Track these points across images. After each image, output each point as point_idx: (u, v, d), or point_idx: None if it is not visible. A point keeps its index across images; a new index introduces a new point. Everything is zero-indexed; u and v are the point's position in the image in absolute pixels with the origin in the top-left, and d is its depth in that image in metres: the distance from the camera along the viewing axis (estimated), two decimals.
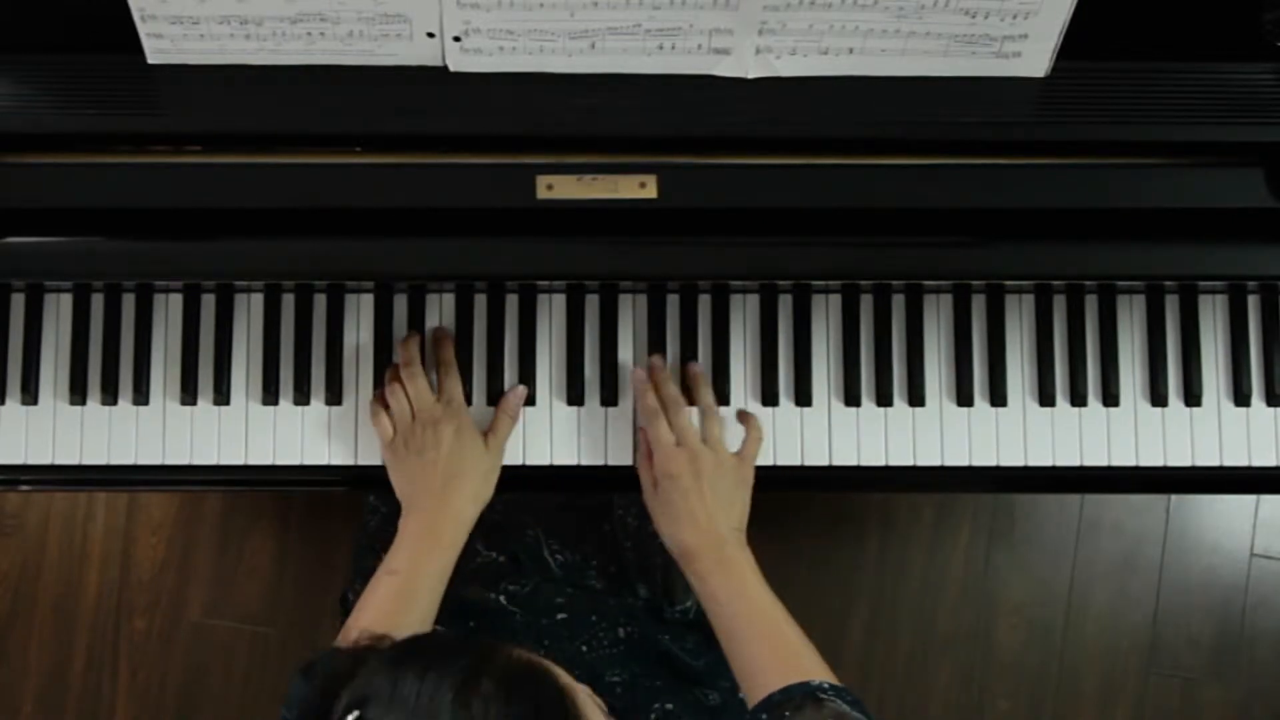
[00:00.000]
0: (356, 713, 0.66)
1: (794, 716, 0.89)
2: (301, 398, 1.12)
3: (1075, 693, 1.87)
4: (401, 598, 1.00)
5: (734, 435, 1.11)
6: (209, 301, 1.13)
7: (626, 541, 1.27)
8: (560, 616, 1.19)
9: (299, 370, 1.12)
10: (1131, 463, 1.13)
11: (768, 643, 0.98)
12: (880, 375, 1.13)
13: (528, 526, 1.25)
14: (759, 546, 1.06)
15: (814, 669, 0.95)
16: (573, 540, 1.26)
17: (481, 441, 1.08)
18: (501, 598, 1.19)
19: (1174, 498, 1.88)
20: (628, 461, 1.13)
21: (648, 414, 1.08)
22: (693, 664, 1.20)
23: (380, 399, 1.10)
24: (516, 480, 1.11)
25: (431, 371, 1.11)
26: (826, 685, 0.92)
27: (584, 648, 1.16)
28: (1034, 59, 0.99)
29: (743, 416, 1.11)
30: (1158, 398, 1.13)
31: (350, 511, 1.90)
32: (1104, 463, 1.13)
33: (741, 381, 1.13)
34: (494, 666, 0.69)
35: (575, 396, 1.13)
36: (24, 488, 1.16)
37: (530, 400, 1.13)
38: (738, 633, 1.00)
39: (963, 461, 1.13)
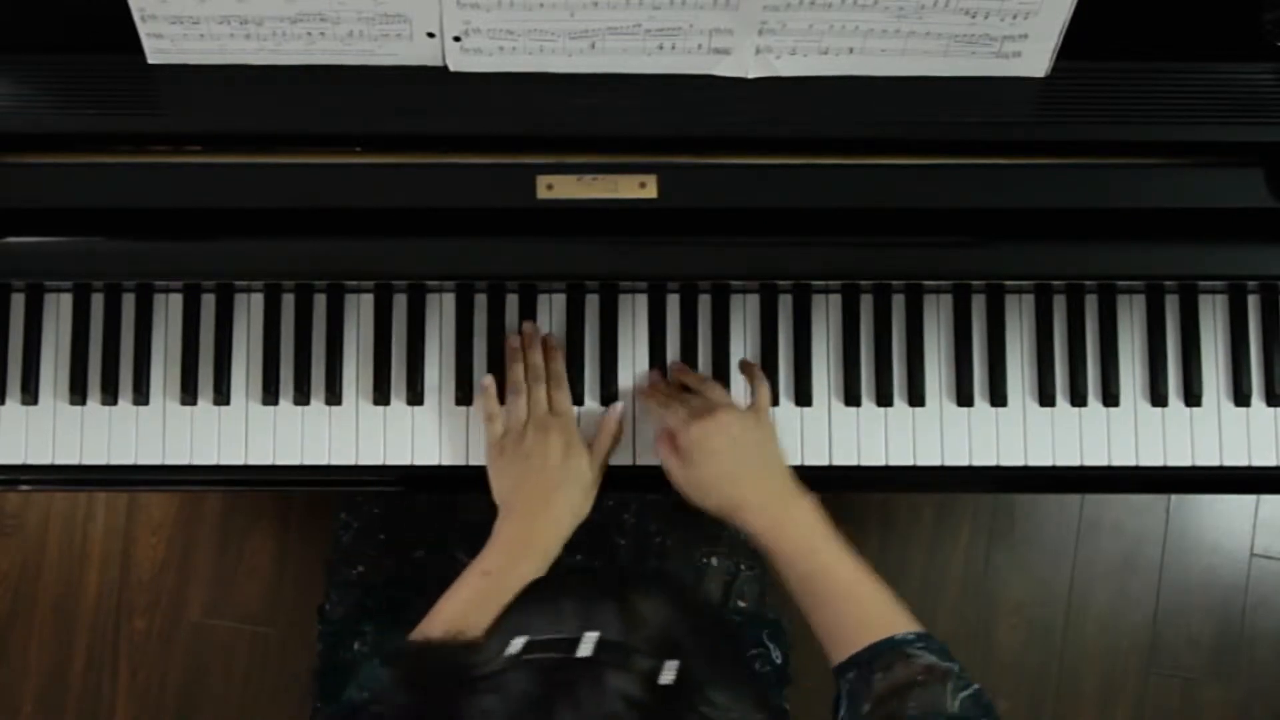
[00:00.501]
0: (524, 639, 0.64)
1: (885, 676, 0.88)
2: (301, 398, 1.12)
3: (1075, 693, 1.87)
4: (488, 599, 0.98)
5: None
6: (209, 301, 1.13)
7: (621, 539, 1.26)
8: None
9: (299, 370, 1.12)
10: (1131, 463, 1.13)
11: (845, 601, 0.96)
12: (880, 375, 1.13)
13: None
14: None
15: (896, 621, 0.93)
16: None
17: (588, 457, 1.07)
18: None
19: (1174, 498, 1.88)
20: (628, 461, 1.13)
21: (660, 403, 1.08)
22: None
23: (492, 393, 1.09)
24: None
25: None
26: (912, 635, 0.91)
27: None
28: (1034, 59, 0.98)
29: (745, 367, 1.10)
30: (1158, 398, 1.13)
31: None
32: (1104, 463, 1.13)
33: (741, 382, 1.13)
34: (641, 577, 0.69)
35: (575, 396, 1.13)
36: (24, 488, 1.16)
37: None
38: (812, 593, 0.98)
39: (963, 461, 1.13)
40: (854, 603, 0.96)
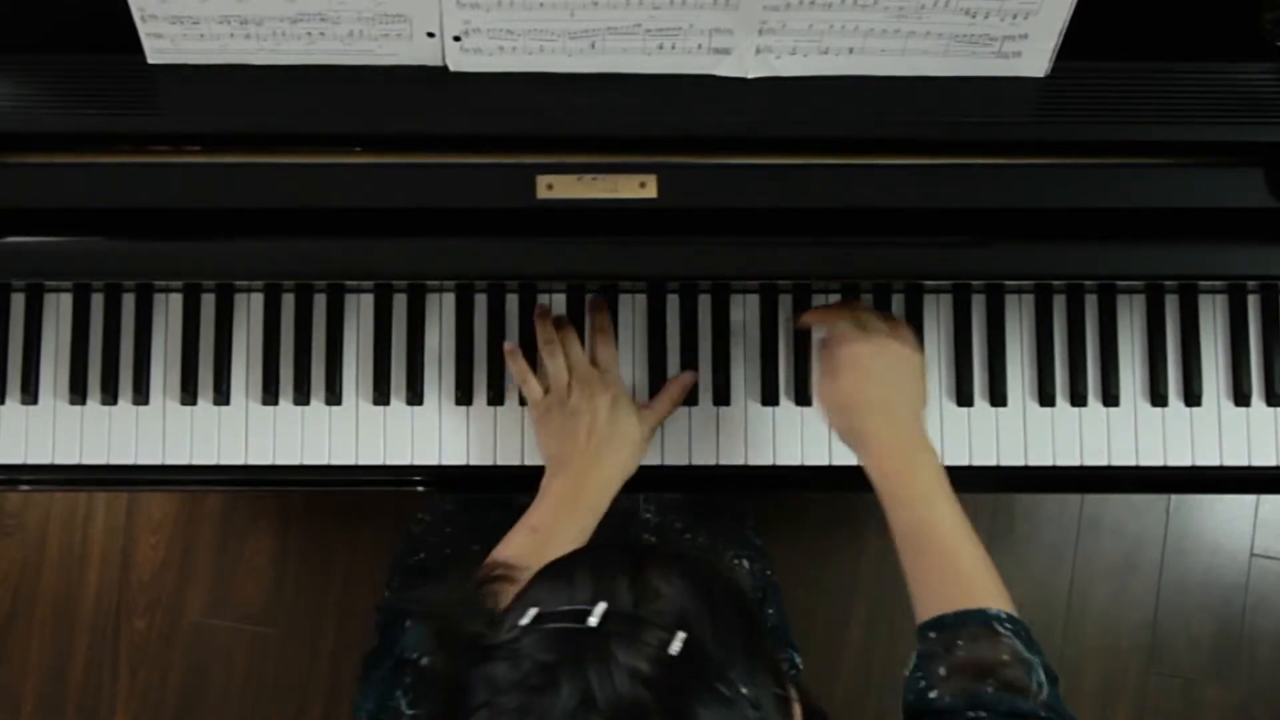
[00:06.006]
0: (535, 610, 0.64)
1: (968, 646, 0.86)
2: (301, 398, 1.12)
3: (1075, 693, 1.87)
4: (536, 555, 0.97)
5: None
6: (209, 301, 1.13)
7: (651, 536, 1.25)
8: None
9: (299, 370, 1.12)
10: (1131, 463, 1.13)
11: (948, 559, 0.94)
12: None
13: None
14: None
15: (993, 595, 0.91)
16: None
17: (636, 413, 1.07)
18: None
19: (1174, 498, 1.88)
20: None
21: (834, 312, 1.06)
22: None
23: (518, 355, 1.09)
24: (523, 480, 1.10)
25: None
26: (1004, 615, 0.89)
27: None
28: (1034, 59, 0.98)
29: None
30: (1158, 398, 1.13)
31: (349, 512, 1.90)
32: (1104, 463, 1.13)
33: (741, 382, 1.13)
34: (658, 554, 0.68)
35: None
36: (24, 488, 1.16)
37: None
38: (916, 541, 0.95)
39: (963, 461, 1.13)
40: (955, 564, 0.94)
